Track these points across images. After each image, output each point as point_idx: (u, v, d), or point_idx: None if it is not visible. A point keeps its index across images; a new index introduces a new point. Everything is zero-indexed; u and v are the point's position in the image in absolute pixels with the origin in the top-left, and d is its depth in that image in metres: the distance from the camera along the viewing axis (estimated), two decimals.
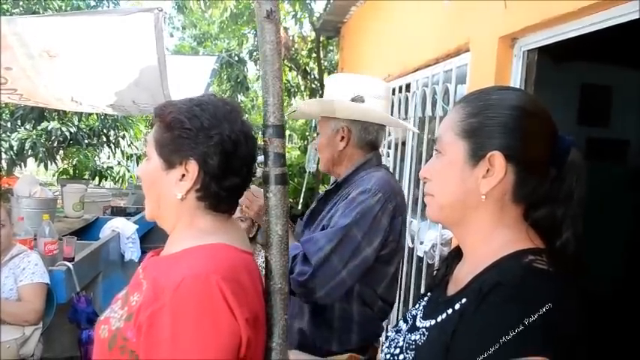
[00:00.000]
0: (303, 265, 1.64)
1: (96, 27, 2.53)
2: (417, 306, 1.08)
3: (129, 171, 8.46)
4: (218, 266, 1.04)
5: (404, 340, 0.99)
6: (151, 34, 2.40)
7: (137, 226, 4.41)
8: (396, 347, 1.00)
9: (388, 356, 1.01)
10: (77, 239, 3.37)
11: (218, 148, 1.10)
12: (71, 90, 3.08)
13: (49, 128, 6.93)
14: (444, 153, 0.98)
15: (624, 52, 3.79)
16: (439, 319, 0.93)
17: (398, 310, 3.49)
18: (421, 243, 3.01)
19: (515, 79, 2.20)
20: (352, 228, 1.66)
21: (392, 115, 3.85)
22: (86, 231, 4.37)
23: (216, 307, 0.99)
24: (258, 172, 1.26)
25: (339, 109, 1.84)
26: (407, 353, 0.95)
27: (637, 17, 1.61)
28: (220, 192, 1.13)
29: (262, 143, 1.24)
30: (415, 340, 0.95)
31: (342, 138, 1.86)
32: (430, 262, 2.87)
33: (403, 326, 1.06)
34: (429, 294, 1.09)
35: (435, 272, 1.12)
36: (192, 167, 1.10)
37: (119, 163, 8.33)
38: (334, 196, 1.86)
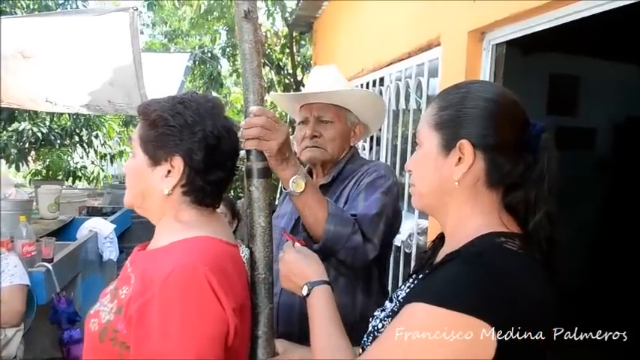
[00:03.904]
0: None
1: (71, 27, 2.51)
2: (403, 287, 1.13)
3: (103, 171, 8.35)
4: (205, 258, 1.07)
5: (385, 313, 1.06)
6: (126, 33, 2.40)
7: (114, 226, 4.39)
8: (376, 319, 1.08)
9: (370, 328, 1.08)
10: (55, 240, 3.34)
11: (202, 144, 1.13)
12: (45, 90, 3.04)
13: (20, 129, 6.80)
14: (421, 145, 1.05)
15: (591, 43, 3.91)
16: (411, 286, 1.00)
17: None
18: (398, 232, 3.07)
19: (485, 71, 2.27)
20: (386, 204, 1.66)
21: None
22: (62, 232, 4.32)
23: (204, 297, 1.03)
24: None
25: (374, 102, 1.87)
26: (385, 321, 1.02)
27: (600, 11, 1.69)
28: (205, 186, 1.17)
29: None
30: (392, 309, 1.03)
31: (354, 134, 1.85)
32: (407, 252, 2.93)
33: (388, 305, 1.11)
34: (414, 275, 1.14)
35: (422, 254, 1.19)
36: (178, 163, 1.13)
37: (93, 163, 8.21)
38: (331, 191, 1.78)
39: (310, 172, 1.84)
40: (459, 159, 0.97)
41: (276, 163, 1.37)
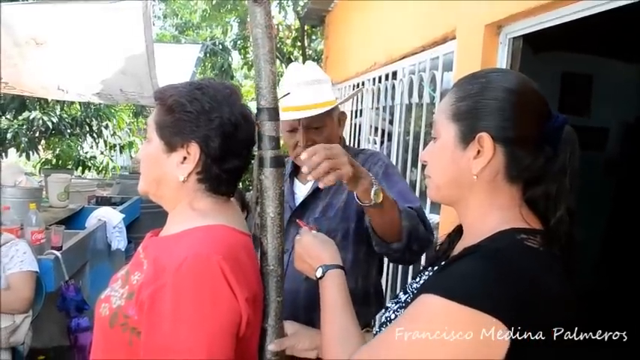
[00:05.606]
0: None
1: (84, 15, 2.51)
2: (418, 279, 1.11)
3: (112, 161, 8.38)
4: (219, 247, 1.06)
5: (399, 305, 1.05)
6: (139, 23, 2.39)
7: (123, 215, 4.40)
8: (389, 310, 1.07)
9: (383, 319, 1.07)
10: (64, 228, 3.35)
11: (219, 131, 1.12)
12: (58, 78, 3.05)
13: (30, 118, 6.81)
14: (438, 136, 1.02)
15: (604, 42, 3.87)
16: (427, 278, 0.99)
17: (385, 295, 3.53)
18: None
19: (501, 66, 2.24)
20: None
21: (378, 102, 3.90)
22: (72, 220, 4.33)
23: (217, 286, 1.02)
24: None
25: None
26: (398, 312, 1.01)
27: (619, 5, 1.66)
28: (221, 174, 1.15)
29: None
30: (406, 300, 1.01)
31: (340, 123, 1.87)
32: None
33: (402, 297, 1.10)
34: (429, 268, 1.12)
35: (438, 247, 1.16)
36: (194, 150, 1.12)
37: (102, 153, 8.23)
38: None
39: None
40: (478, 152, 0.94)
41: (354, 184, 1.34)
